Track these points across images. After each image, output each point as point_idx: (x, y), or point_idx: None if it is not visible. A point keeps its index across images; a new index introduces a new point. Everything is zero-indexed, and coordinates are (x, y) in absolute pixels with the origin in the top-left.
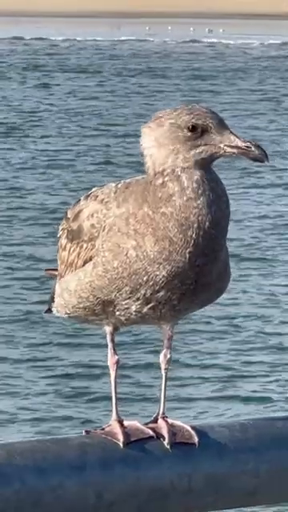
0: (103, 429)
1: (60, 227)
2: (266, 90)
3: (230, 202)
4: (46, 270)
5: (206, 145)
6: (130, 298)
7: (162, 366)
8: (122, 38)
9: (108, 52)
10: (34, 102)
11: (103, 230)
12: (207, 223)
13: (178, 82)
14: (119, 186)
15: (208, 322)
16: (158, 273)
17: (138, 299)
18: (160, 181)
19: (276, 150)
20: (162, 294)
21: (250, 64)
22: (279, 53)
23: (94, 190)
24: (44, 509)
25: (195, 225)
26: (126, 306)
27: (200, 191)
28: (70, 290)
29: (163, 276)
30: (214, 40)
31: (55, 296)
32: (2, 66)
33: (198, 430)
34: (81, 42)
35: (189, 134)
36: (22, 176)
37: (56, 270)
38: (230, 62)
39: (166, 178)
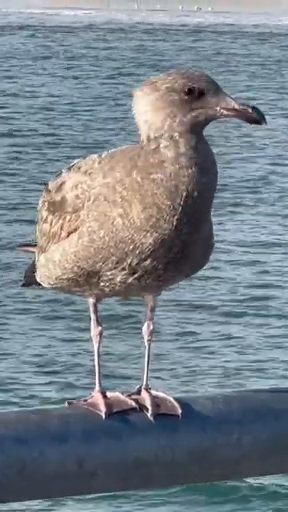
0: (86, 400)
1: (40, 200)
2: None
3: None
4: (19, 246)
5: (202, 108)
6: (115, 268)
7: (145, 338)
8: (111, 14)
9: (97, 27)
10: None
11: (88, 200)
12: (196, 192)
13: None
14: (103, 156)
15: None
16: (144, 240)
17: (123, 269)
18: (153, 146)
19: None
20: (147, 262)
21: (240, 44)
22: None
23: (75, 161)
24: (26, 478)
25: (184, 193)
26: (110, 277)
27: (193, 160)
28: (55, 261)
29: (150, 244)
30: (201, 19)
31: (38, 267)
32: None
33: (182, 402)
34: (69, 17)
35: (185, 97)
36: None
37: (29, 245)
38: (216, 42)
39: (160, 144)
